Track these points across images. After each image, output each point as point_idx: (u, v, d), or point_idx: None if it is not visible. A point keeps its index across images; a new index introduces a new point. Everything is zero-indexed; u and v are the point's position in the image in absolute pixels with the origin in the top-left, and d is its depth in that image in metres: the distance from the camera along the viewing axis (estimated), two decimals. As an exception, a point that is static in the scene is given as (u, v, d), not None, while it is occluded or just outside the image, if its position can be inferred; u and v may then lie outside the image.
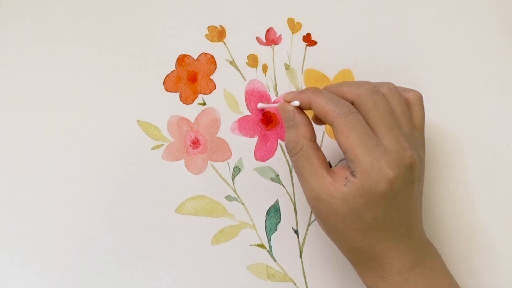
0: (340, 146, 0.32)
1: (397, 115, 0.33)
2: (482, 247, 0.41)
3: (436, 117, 0.42)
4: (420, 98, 0.35)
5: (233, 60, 0.42)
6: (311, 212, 0.41)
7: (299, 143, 0.34)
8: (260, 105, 0.41)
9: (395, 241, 0.32)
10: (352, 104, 0.33)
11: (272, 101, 0.42)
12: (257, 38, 0.43)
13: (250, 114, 0.42)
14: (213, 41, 0.42)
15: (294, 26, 0.43)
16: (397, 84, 0.42)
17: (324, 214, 0.33)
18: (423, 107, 0.36)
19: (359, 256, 0.33)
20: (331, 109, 0.32)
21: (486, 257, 0.41)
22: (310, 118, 0.36)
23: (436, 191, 0.41)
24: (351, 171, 0.32)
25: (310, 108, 0.34)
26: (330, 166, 0.41)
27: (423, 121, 0.35)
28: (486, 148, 0.42)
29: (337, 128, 0.32)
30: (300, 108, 0.35)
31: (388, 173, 0.31)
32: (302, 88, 0.42)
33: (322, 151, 0.34)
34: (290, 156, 0.35)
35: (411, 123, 0.34)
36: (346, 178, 0.32)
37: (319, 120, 0.36)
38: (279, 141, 0.41)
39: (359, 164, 0.31)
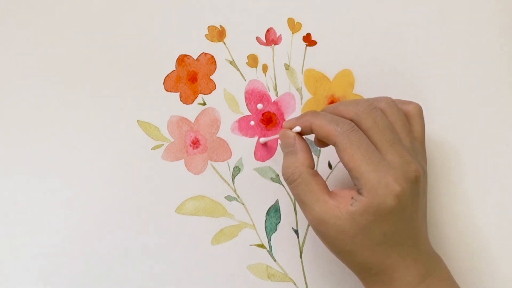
0: (345, 165, 0.32)
1: (398, 130, 0.33)
2: (485, 252, 0.41)
3: (436, 117, 0.42)
4: (419, 110, 0.36)
5: (233, 60, 0.42)
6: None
7: (297, 170, 0.34)
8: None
9: (404, 254, 0.32)
10: None
11: (272, 101, 0.42)
12: (257, 38, 0.43)
13: (250, 114, 0.42)
14: (213, 41, 0.42)
15: (294, 26, 0.43)
16: (397, 84, 0.42)
17: (331, 237, 0.33)
18: (423, 119, 0.36)
19: (368, 272, 0.33)
20: (332, 129, 0.32)
21: (487, 260, 0.41)
22: (312, 141, 0.36)
23: (437, 197, 0.41)
24: (358, 189, 0.32)
25: (311, 132, 0.34)
26: (330, 167, 0.41)
27: (424, 133, 0.36)
28: (485, 149, 0.42)
29: (340, 147, 0.32)
30: (300, 136, 0.35)
31: (396, 188, 0.31)
32: (302, 88, 0.42)
33: (321, 177, 0.34)
34: (288, 184, 0.34)
35: (411, 136, 0.34)
36: (352, 198, 0.32)
37: (321, 143, 0.36)
38: (279, 141, 0.41)
39: (365, 182, 0.31)
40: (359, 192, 0.32)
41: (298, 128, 0.35)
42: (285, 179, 0.35)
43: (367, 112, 0.33)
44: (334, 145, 0.33)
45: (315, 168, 0.35)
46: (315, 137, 0.36)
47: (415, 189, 0.32)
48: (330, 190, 0.34)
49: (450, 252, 0.40)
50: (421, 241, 0.34)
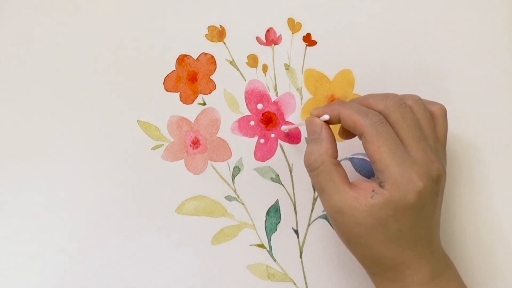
0: (370, 156, 0.32)
1: (423, 127, 0.33)
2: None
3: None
4: (444, 112, 0.36)
5: (233, 60, 0.42)
6: (311, 211, 0.41)
7: (320, 158, 0.33)
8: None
9: (416, 252, 0.32)
10: None
11: (272, 101, 0.42)
12: (257, 38, 0.43)
13: (250, 114, 0.42)
14: (213, 41, 0.42)
15: (294, 26, 0.43)
16: (397, 84, 0.42)
17: (346, 227, 0.33)
18: (447, 120, 0.36)
19: (379, 267, 0.33)
20: (360, 119, 0.32)
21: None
22: (337, 133, 0.36)
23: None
24: (380, 182, 0.32)
25: (338, 122, 0.34)
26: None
27: (446, 135, 0.36)
28: (490, 149, 0.42)
29: (368, 139, 0.32)
30: (327, 124, 0.35)
31: (418, 185, 0.31)
32: (302, 88, 0.42)
33: (343, 168, 0.34)
34: (309, 171, 0.34)
35: (435, 135, 0.34)
36: (372, 190, 0.32)
37: (347, 134, 0.36)
38: (279, 141, 0.41)
39: (388, 175, 0.31)
40: (381, 185, 0.32)
41: (326, 117, 0.34)
42: (306, 166, 0.34)
43: (396, 106, 0.33)
44: (360, 135, 0.33)
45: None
46: (340, 128, 0.36)
47: (436, 188, 0.32)
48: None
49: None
50: (434, 240, 0.34)
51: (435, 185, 0.32)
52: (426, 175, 0.31)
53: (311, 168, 0.34)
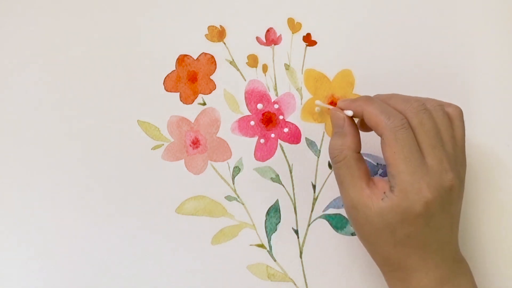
0: (385, 158, 0.33)
1: (442, 134, 0.33)
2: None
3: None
4: (460, 113, 0.35)
5: (233, 60, 0.42)
6: (311, 211, 0.41)
7: (343, 153, 0.34)
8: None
9: (425, 257, 0.33)
10: None
11: (272, 101, 0.42)
12: (257, 38, 0.43)
13: (250, 114, 0.42)
14: (213, 41, 0.42)
15: (294, 26, 0.43)
16: (397, 85, 0.42)
17: (359, 224, 0.33)
18: (463, 122, 0.35)
19: (388, 267, 0.34)
20: (382, 121, 0.33)
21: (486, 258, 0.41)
22: (357, 123, 0.36)
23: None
24: (390, 186, 0.32)
25: (362, 117, 0.34)
26: (330, 167, 0.41)
27: (464, 138, 0.35)
28: (490, 149, 0.42)
29: (386, 141, 0.32)
30: (351, 119, 0.35)
31: (426, 196, 0.31)
32: (302, 88, 0.42)
33: (365, 163, 0.34)
34: (332, 163, 0.35)
35: (453, 141, 0.34)
36: (384, 192, 0.32)
37: (366, 127, 0.36)
38: (279, 141, 0.41)
39: (399, 182, 0.32)
40: (391, 189, 0.32)
41: (350, 113, 0.35)
42: (330, 158, 0.35)
43: (415, 111, 0.33)
44: (380, 136, 0.33)
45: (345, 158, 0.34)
46: (360, 120, 0.36)
47: (448, 198, 0.32)
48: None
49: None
50: (447, 246, 0.33)
51: (446, 195, 0.32)
52: (437, 185, 0.31)
53: (334, 161, 0.35)
